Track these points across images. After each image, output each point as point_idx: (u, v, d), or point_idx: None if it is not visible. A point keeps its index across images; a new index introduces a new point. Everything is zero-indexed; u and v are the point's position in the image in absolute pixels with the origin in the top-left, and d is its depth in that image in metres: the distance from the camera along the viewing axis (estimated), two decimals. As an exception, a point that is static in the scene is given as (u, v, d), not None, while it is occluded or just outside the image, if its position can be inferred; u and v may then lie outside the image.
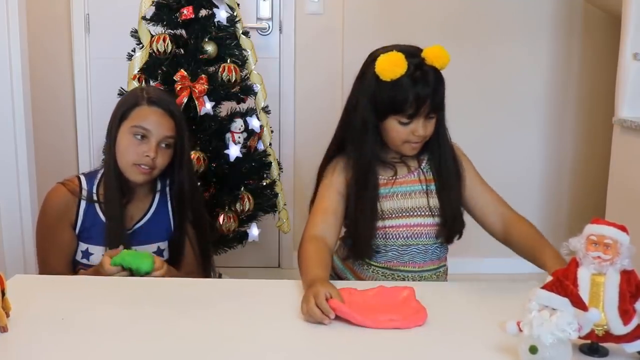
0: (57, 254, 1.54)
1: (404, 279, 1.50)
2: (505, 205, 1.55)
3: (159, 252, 1.57)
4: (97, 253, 1.53)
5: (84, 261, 1.54)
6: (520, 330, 0.94)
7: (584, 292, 0.97)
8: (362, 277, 1.54)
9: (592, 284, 0.98)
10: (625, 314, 0.96)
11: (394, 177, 1.49)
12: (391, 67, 1.36)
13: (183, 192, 1.59)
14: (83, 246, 1.55)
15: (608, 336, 0.98)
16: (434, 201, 1.49)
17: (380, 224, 1.48)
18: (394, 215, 1.48)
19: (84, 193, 1.55)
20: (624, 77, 2.40)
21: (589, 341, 1.01)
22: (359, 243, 1.49)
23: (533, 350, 0.91)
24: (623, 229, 0.99)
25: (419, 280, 1.50)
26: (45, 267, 1.56)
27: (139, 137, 1.50)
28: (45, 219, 1.56)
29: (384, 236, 1.50)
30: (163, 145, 1.52)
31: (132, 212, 1.58)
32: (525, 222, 1.52)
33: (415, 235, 1.50)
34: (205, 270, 1.65)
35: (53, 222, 1.54)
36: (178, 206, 1.60)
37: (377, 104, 1.42)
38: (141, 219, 1.59)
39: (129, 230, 1.55)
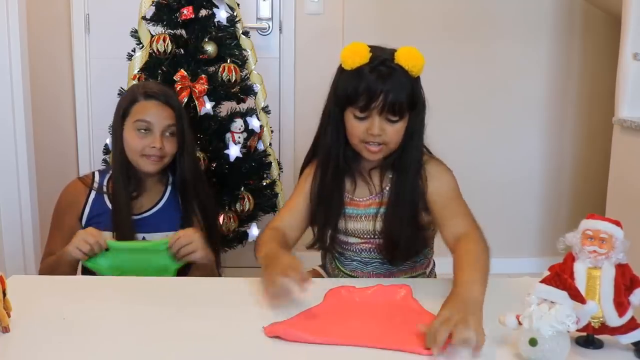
0: (59, 236, 1.62)
1: None
2: (466, 225, 1.37)
3: None
4: (106, 238, 1.56)
5: None
6: (520, 324, 0.96)
7: (580, 286, 0.99)
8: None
9: (588, 278, 1.01)
10: (620, 306, 0.98)
11: (352, 198, 1.47)
12: (352, 55, 1.35)
13: (185, 181, 1.65)
14: None
15: (604, 328, 1.00)
16: (380, 225, 1.45)
17: (344, 238, 1.50)
18: (356, 234, 1.49)
19: (95, 185, 1.67)
20: (624, 77, 2.40)
21: (584, 333, 1.03)
22: (320, 231, 1.50)
23: (533, 342, 0.93)
24: (618, 223, 1.01)
25: None
26: (47, 246, 1.65)
27: (142, 130, 1.59)
28: (57, 205, 1.68)
29: (347, 248, 1.52)
30: (167, 134, 1.61)
31: (142, 202, 1.66)
32: (472, 242, 1.32)
33: (376, 250, 1.49)
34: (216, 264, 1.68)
35: (63, 208, 1.67)
36: (182, 196, 1.66)
37: (337, 93, 1.40)
38: (151, 209, 1.66)
39: (137, 216, 1.63)
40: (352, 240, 1.50)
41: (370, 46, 1.37)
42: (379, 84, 1.32)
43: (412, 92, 1.36)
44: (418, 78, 1.39)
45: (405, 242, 1.43)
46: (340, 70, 1.40)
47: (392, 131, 1.37)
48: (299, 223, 1.48)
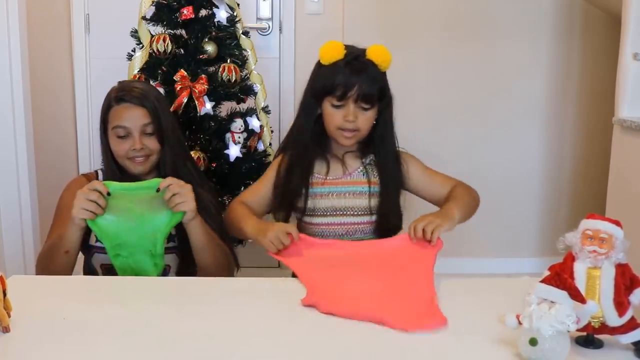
0: (63, 225, 1.59)
1: None
2: (450, 182, 1.65)
3: (170, 237, 1.59)
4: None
5: (98, 244, 1.57)
6: (520, 323, 0.96)
7: (580, 285, 0.99)
8: None
9: (588, 277, 1.01)
10: (620, 306, 0.99)
11: (325, 177, 1.62)
12: (329, 51, 1.55)
13: (166, 171, 1.63)
14: None
15: (604, 328, 1.01)
16: (375, 201, 1.61)
17: (313, 220, 1.62)
18: (327, 214, 1.60)
19: None
20: (624, 77, 2.40)
21: (584, 333, 1.03)
22: (279, 206, 1.65)
23: (533, 342, 0.93)
24: (617, 223, 1.02)
25: None
26: (49, 235, 1.64)
27: (121, 135, 1.62)
28: (61, 200, 1.68)
29: (319, 234, 1.61)
30: (146, 132, 1.62)
31: None
32: (459, 186, 1.63)
33: (350, 232, 1.61)
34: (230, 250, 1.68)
35: (67, 203, 1.63)
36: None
37: (315, 85, 1.60)
38: None
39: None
40: (317, 220, 1.61)
41: (344, 45, 1.56)
42: (354, 77, 1.53)
43: (382, 84, 1.58)
44: (385, 73, 1.59)
45: (396, 219, 1.63)
46: (318, 65, 1.60)
47: (364, 118, 1.57)
48: (261, 207, 1.66)
